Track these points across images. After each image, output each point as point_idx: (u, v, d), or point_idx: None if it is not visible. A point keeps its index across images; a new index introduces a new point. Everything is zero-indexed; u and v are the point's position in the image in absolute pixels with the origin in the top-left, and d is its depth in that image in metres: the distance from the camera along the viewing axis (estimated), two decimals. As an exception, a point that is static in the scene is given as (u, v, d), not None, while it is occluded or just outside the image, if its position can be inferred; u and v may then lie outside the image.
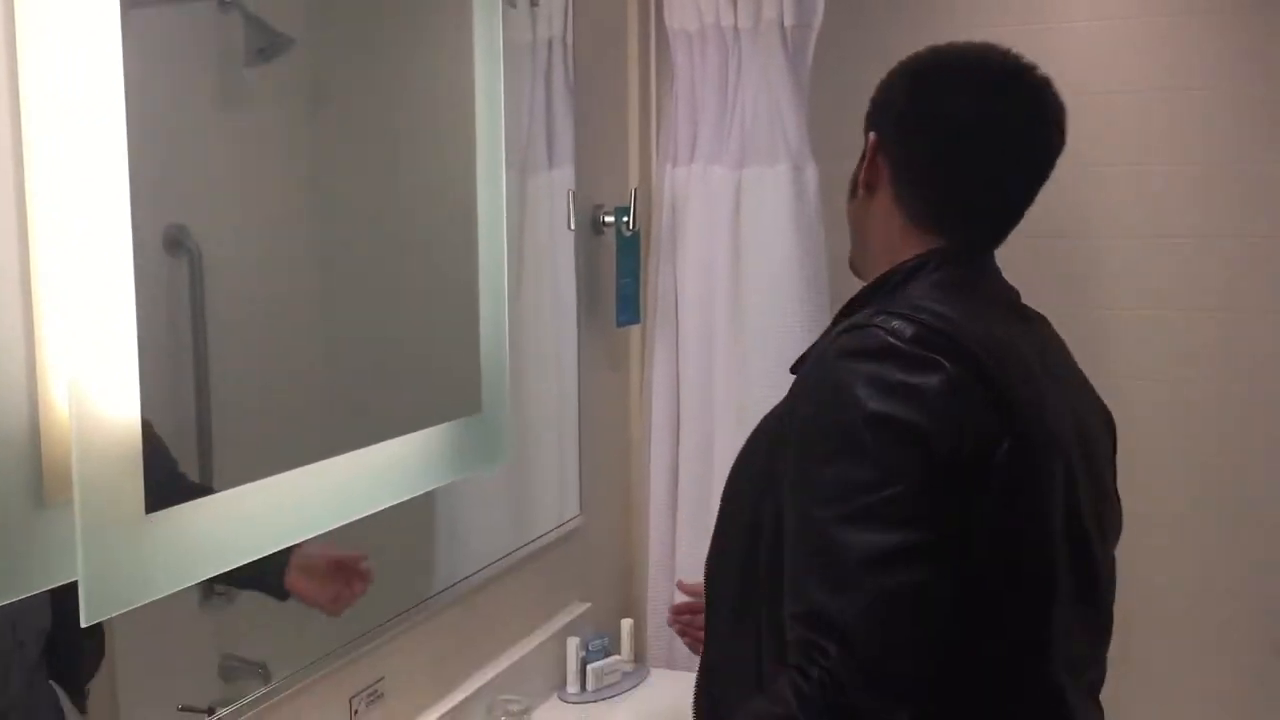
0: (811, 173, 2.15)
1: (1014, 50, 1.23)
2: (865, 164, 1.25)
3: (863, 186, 1.26)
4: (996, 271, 1.25)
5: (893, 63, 1.46)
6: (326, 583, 1.55)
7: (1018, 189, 1.22)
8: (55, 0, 0.89)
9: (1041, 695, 1.13)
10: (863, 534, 1.00)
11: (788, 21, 2.13)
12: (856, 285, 1.76)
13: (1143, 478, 1.99)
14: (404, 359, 1.54)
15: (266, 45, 1.32)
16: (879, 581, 0.99)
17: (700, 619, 1.32)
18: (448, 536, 1.82)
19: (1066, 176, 1.30)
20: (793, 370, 1.21)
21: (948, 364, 1.05)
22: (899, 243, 1.22)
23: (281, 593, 1.51)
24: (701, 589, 1.29)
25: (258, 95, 1.27)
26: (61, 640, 1.09)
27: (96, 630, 1.02)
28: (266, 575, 1.47)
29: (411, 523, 1.67)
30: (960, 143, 1.19)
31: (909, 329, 1.07)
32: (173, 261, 1.07)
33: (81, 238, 0.91)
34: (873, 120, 1.28)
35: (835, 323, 1.21)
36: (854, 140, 1.61)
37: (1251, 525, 2.71)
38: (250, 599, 1.38)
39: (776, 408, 1.21)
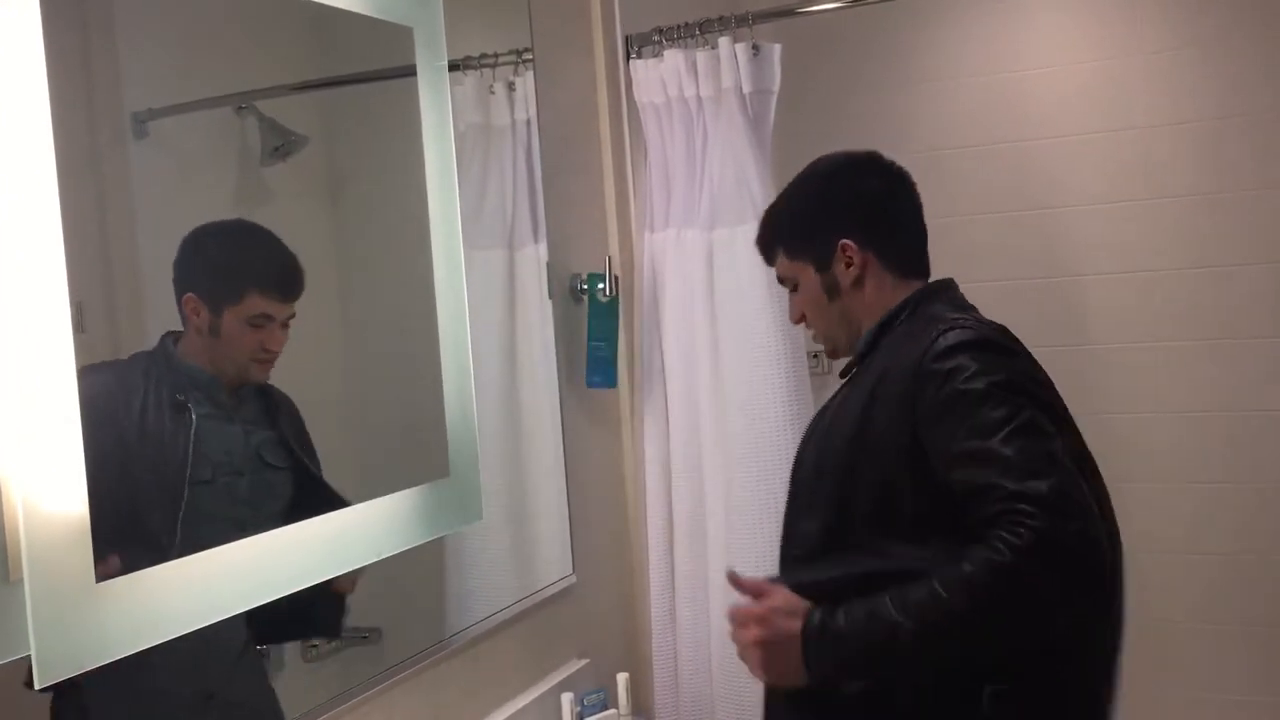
0: (779, 230, 2.20)
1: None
2: (848, 265, 1.61)
3: (850, 281, 1.62)
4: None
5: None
6: None
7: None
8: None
9: None
10: (1038, 442, 1.39)
11: (746, 89, 2.21)
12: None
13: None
14: (373, 428, 1.64)
15: (282, 144, 1.44)
16: (1058, 466, 1.37)
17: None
18: (443, 593, 1.88)
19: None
20: (843, 374, 1.64)
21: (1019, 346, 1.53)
22: (892, 293, 1.61)
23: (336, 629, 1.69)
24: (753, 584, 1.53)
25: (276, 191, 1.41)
26: None
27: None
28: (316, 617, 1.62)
29: (406, 580, 1.73)
30: (904, 209, 1.66)
31: (993, 329, 1.52)
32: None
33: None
34: (826, 232, 1.64)
35: (865, 353, 1.60)
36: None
37: None
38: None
39: (843, 409, 1.54)
